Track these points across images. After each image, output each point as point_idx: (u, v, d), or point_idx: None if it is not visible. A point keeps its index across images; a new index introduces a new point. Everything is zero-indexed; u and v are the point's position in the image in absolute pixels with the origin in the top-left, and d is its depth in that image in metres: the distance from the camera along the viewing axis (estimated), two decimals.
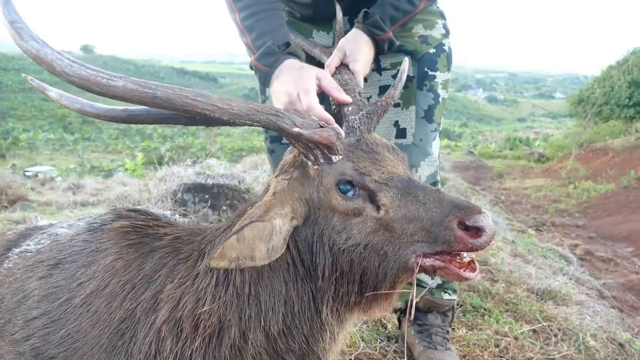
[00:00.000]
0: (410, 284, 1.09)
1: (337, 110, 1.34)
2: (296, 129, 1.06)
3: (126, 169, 4.67)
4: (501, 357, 2.13)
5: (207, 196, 3.53)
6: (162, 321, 1.13)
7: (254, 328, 1.13)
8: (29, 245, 1.55)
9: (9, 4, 1.04)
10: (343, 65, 1.56)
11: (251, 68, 1.56)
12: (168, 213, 1.60)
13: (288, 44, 1.52)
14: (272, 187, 1.15)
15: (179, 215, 3.28)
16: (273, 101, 1.47)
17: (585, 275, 5.07)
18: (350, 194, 1.08)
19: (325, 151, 1.09)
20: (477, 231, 0.99)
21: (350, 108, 1.29)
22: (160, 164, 5.42)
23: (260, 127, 1.13)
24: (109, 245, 1.28)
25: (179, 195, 3.56)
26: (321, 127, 1.11)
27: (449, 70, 1.89)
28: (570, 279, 4.28)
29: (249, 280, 1.13)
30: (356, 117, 1.25)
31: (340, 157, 1.11)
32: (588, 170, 15.22)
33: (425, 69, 1.83)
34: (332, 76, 1.50)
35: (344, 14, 1.77)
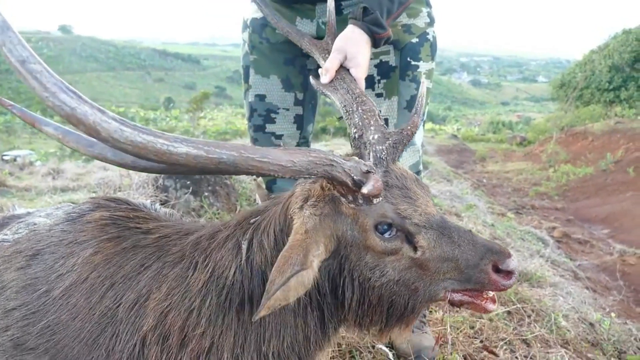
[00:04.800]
0: None
1: (358, 135, 1.28)
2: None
3: None
4: (475, 338, 2.21)
5: (188, 182, 3.52)
6: (149, 329, 1.13)
7: (251, 352, 1.14)
8: (6, 234, 1.54)
9: (8, 30, 0.77)
10: (343, 68, 1.50)
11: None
12: (148, 202, 1.59)
13: None
14: (300, 223, 1.07)
15: (160, 203, 3.27)
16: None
17: (561, 257, 5.21)
18: (387, 234, 1.08)
19: (370, 196, 1.06)
20: (508, 274, 1.07)
21: (375, 136, 1.23)
22: None
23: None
24: (87, 238, 1.28)
25: (160, 181, 3.54)
26: (368, 172, 1.05)
27: (433, 59, 1.88)
28: (547, 261, 4.40)
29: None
30: (383, 147, 1.21)
31: (380, 198, 1.08)
32: (568, 154, 15.49)
33: (408, 59, 1.82)
34: (333, 80, 1.48)
35: None
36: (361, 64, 1.49)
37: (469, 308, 1.14)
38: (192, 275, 1.16)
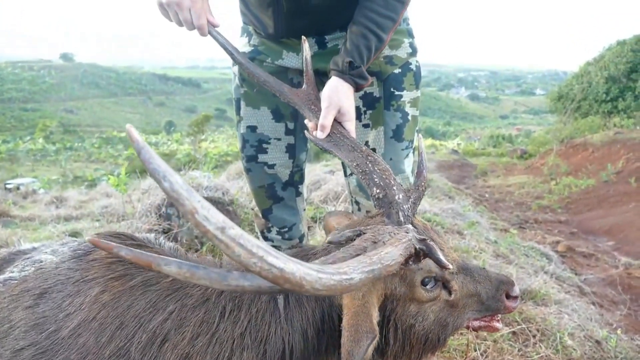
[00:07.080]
0: None
1: (383, 195, 1.35)
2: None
3: (110, 184, 4.67)
4: None
5: None
6: None
7: None
8: (12, 272, 1.57)
9: (193, 193, 0.64)
10: (335, 121, 1.57)
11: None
12: (152, 236, 1.62)
13: None
14: None
15: (163, 231, 3.28)
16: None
17: (566, 272, 5.18)
18: (429, 286, 1.24)
19: (422, 258, 1.18)
20: (515, 298, 1.34)
21: (400, 196, 1.33)
22: (143, 173, 5.41)
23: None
24: (94, 276, 1.30)
25: (163, 209, 3.58)
26: (423, 240, 1.16)
27: (417, 88, 1.92)
28: (551, 277, 4.39)
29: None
30: (407, 205, 1.33)
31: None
32: (569, 166, 15.47)
33: (392, 89, 1.85)
34: (330, 135, 1.54)
35: (307, 34, 1.73)
36: (354, 118, 1.61)
37: (484, 330, 1.39)
38: (220, 323, 1.18)
